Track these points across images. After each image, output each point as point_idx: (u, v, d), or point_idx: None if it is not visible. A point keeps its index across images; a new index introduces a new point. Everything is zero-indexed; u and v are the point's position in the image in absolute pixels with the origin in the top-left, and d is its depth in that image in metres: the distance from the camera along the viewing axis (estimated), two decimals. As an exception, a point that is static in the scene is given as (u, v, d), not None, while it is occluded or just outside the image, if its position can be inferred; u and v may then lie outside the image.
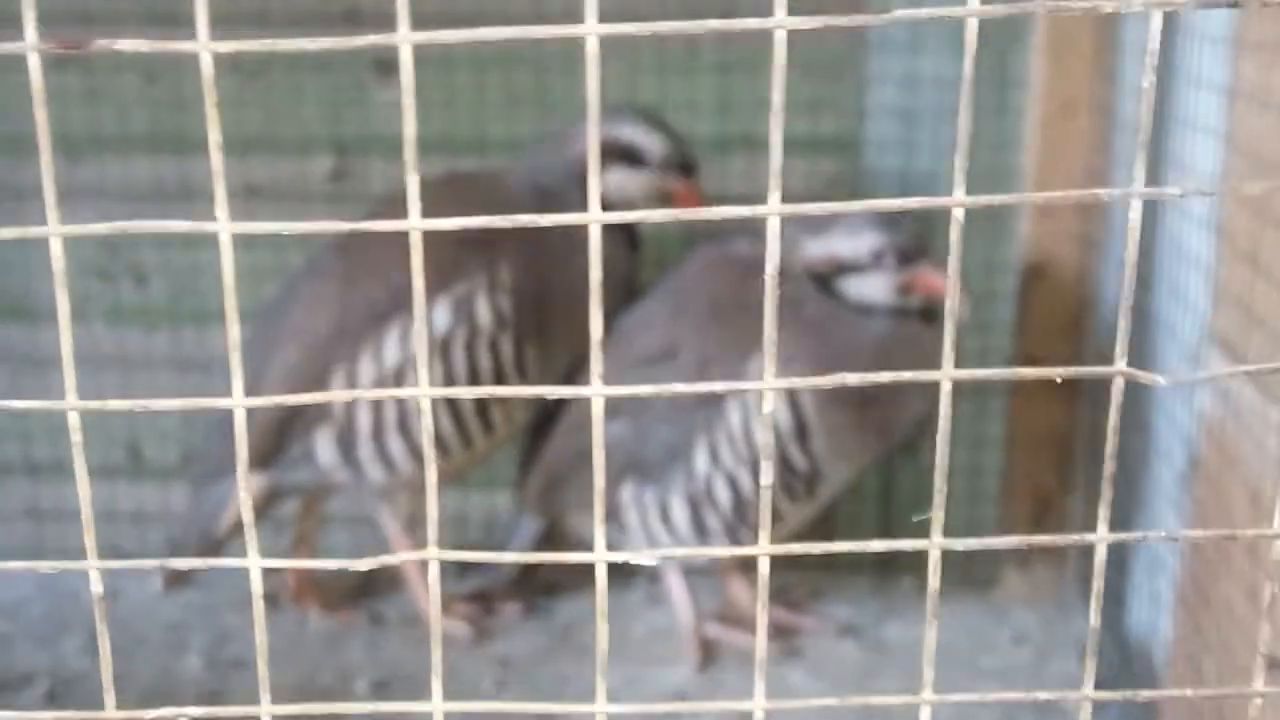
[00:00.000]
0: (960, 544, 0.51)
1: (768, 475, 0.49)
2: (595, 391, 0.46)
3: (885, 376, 0.49)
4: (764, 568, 0.50)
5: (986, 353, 1.81)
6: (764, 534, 0.49)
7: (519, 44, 1.84)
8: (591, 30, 0.44)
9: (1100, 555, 0.52)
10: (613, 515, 1.66)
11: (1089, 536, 0.52)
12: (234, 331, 0.48)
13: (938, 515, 0.51)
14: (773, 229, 0.47)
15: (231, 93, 1.80)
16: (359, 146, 1.87)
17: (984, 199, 0.47)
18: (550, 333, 1.65)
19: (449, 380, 1.62)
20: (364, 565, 0.50)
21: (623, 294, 1.69)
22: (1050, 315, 1.78)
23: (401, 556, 0.50)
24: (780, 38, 0.44)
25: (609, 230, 1.70)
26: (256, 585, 0.48)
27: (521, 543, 1.79)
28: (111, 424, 1.95)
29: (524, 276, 1.63)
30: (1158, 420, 1.47)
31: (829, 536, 1.85)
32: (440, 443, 1.65)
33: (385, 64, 1.84)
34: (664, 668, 1.67)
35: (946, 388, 0.49)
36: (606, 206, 1.72)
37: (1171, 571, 1.31)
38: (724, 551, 0.53)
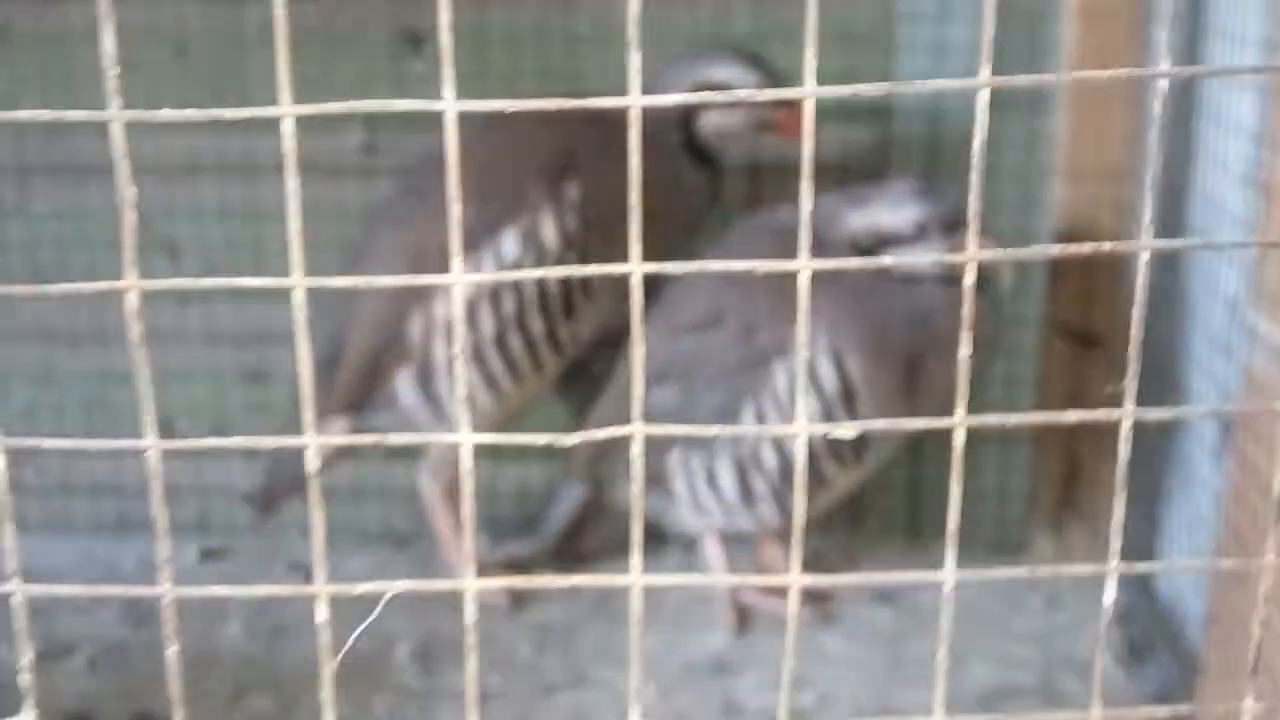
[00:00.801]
0: (992, 418, 0.51)
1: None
2: (633, 268, 0.47)
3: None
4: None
5: (1019, 320, 1.81)
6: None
7: (552, 18, 1.85)
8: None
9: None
10: (659, 481, 1.66)
11: (1114, 413, 0.52)
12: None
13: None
14: (809, 110, 0.48)
15: (260, 67, 1.81)
16: (390, 120, 1.87)
17: (1012, 79, 0.48)
18: (616, 251, 1.67)
19: (520, 307, 1.65)
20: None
21: (701, 221, 1.71)
22: (1084, 281, 1.78)
23: (430, 436, 0.51)
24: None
25: (691, 159, 1.72)
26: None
27: (564, 510, 1.80)
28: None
29: (592, 194, 1.64)
30: (1197, 380, 1.47)
31: (857, 507, 1.86)
32: (513, 367, 1.68)
33: (416, 37, 1.85)
34: (699, 633, 1.68)
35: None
36: (705, 145, 1.73)
37: (1211, 527, 1.31)
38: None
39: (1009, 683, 1.57)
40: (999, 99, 1.88)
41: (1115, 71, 0.47)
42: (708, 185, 1.73)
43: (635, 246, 0.49)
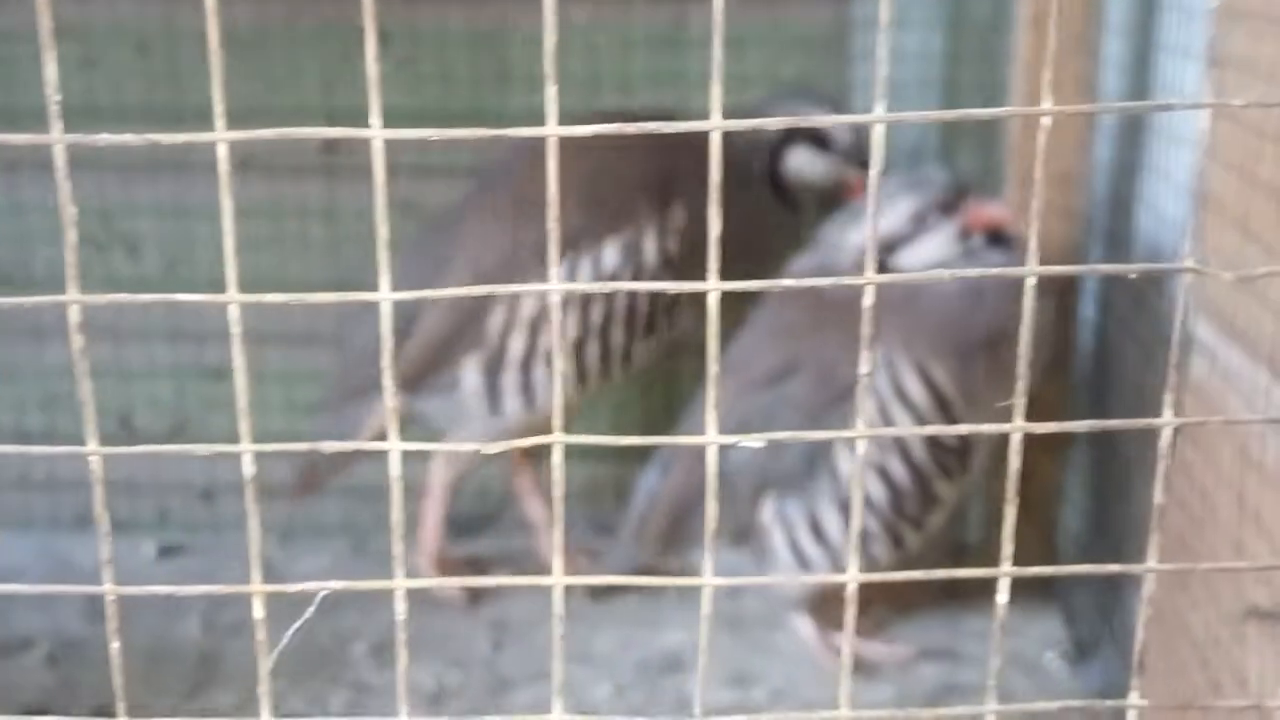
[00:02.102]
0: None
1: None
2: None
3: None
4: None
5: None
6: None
7: (513, 21, 1.87)
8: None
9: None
10: (750, 539, 1.60)
11: (1004, 426, 0.54)
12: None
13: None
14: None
15: (226, 64, 1.81)
16: (352, 118, 1.88)
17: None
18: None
19: (608, 316, 1.68)
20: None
21: (781, 259, 1.70)
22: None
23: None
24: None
25: (778, 196, 1.72)
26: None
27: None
28: (103, 393, 1.95)
29: (696, 220, 1.66)
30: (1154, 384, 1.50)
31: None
32: (582, 374, 1.71)
33: (380, 36, 1.86)
34: (653, 631, 1.70)
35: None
36: (786, 183, 1.75)
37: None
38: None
39: (956, 680, 1.60)
40: (958, 51, 1.87)
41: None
42: (791, 225, 1.74)
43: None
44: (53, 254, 1.95)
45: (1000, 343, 1.49)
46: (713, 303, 0.51)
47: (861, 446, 0.51)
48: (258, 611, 0.53)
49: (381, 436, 0.54)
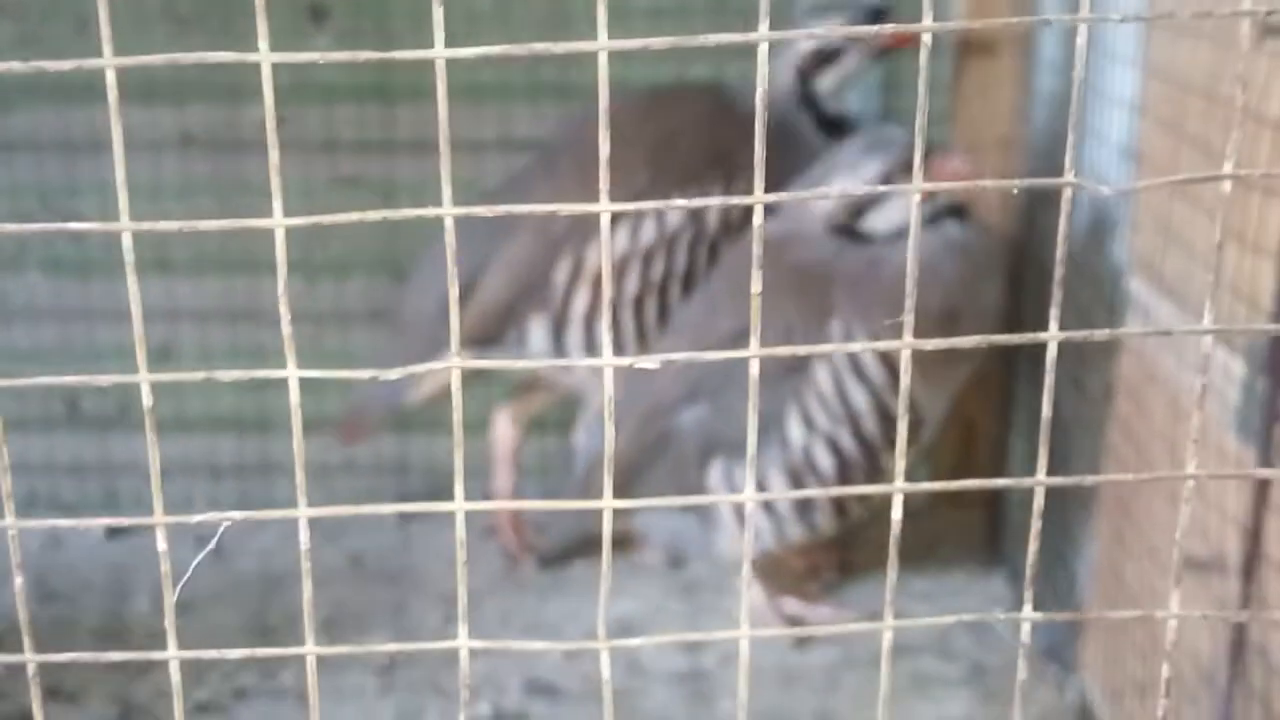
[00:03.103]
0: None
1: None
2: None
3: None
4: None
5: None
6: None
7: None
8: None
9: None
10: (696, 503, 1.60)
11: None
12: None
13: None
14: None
15: (165, 40, 1.80)
16: (294, 93, 1.88)
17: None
18: None
19: (667, 274, 1.70)
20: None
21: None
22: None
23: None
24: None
25: (825, 132, 1.71)
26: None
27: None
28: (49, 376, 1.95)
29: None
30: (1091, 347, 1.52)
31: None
32: (641, 331, 1.72)
33: (319, 10, 1.86)
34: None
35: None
36: (834, 111, 1.75)
37: (1094, 488, 1.36)
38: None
39: (903, 641, 1.62)
40: (895, 79, 1.89)
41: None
42: (825, 141, 1.72)
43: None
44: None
45: (955, 317, 1.51)
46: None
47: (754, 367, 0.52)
48: (161, 544, 0.54)
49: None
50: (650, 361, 0.54)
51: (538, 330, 1.73)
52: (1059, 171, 0.61)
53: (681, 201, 0.54)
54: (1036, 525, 0.55)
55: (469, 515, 0.56)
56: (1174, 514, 1.06)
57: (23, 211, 1.91)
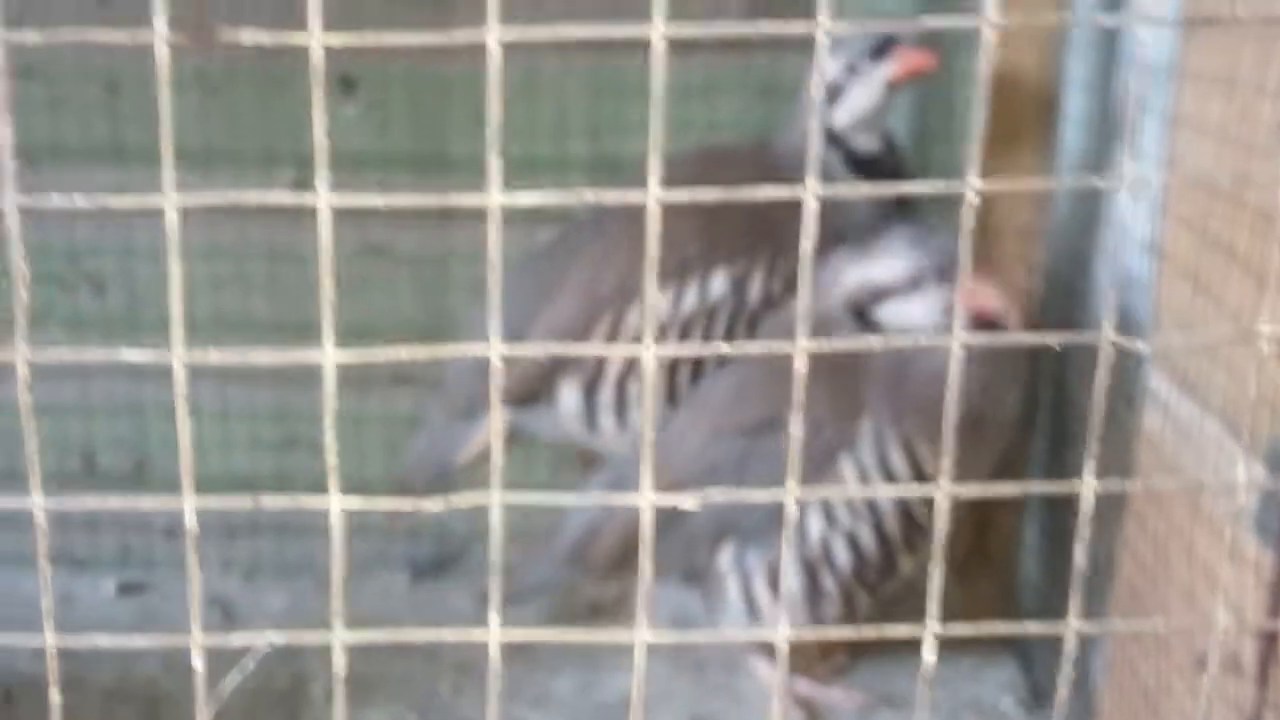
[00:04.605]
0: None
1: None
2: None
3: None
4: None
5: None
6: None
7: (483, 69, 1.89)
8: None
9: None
10: (703, 581, 1.59)
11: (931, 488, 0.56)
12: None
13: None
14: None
15: (195, 106, 1.83)
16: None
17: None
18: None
19: (706, 340, 1.70)
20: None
21: (888, 219, 1.70)
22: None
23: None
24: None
25: (857, 174, 1.71)
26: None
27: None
28: (66, 431, 1.96)
29: (789, 265, 1.66)
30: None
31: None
32: (672, 395, 1.71)
33: (348, 81, 1.88)
34: (612, 674, 1.71)
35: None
36: (860, 148, 1.72)
37: (1112, 581, 1.36)
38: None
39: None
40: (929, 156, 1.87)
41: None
42: (873, 203, 1.70)
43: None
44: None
45: (979, 424, 1.49)
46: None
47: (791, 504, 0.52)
48: (198, 664, 0.54)
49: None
50: (690, 501, 0.54)
51: (569, 392, 1.73)
52: (1080, 262, 0.61)
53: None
54: (1067, 670, 0.55)
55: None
56: (1189, 610, 1.06)
57: (52, 270, 1.93)
